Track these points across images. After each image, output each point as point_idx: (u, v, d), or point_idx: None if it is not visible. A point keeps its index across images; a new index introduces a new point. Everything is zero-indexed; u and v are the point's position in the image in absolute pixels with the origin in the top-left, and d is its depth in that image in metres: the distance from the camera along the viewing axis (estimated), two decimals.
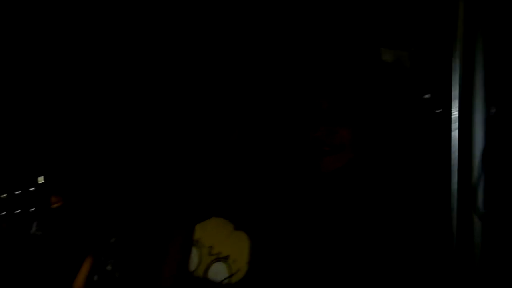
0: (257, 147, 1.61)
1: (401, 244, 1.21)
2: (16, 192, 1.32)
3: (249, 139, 1.63)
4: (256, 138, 1.63)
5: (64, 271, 1.73)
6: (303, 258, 1.33)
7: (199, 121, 1.73)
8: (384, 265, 1.20)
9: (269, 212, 1.42)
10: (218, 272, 1.31)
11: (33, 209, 1.32)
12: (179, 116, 1.80)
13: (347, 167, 1.31)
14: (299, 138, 1.46)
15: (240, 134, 1.64)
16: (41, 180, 1.33)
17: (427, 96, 1.50)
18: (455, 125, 0.98)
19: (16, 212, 1.32)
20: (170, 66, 1.82)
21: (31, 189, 1.33)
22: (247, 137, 1.64)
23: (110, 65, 1.79)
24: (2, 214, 1.32)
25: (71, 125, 1.98)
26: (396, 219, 1.22)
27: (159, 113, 1.85)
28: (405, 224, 1.21)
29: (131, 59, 1.79)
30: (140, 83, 1.84)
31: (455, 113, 0.99)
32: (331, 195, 1.30)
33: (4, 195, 1.33)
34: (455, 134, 0.98)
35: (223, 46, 1.77)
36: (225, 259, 1.32)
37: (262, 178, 1.50)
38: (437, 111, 1.43)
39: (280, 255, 1.37)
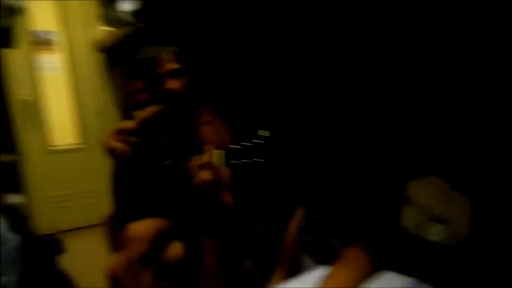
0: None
1: None
2: (246, 144, 1.49)
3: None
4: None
5: (277, 216, 1.91)
6: None
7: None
8: None
9: (489, 171, 1.31)
10: (435, 232, 1.28)
11: (257, 159, 1.46)
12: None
13: None
14: None
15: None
16: (265, 133, 1.46)
17: None
18: None
19: (243, 161, 1.49)
20: None
21: (257, 141, 1.47)
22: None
23: None
24: (236, 162, 1.51)
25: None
26: None
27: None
28: None
29: None
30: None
31: None
32: None
33: (238, 146, 1.50)
34: None
35: None
36: (442, 219, 1.27)
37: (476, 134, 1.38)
38: None
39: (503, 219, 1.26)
